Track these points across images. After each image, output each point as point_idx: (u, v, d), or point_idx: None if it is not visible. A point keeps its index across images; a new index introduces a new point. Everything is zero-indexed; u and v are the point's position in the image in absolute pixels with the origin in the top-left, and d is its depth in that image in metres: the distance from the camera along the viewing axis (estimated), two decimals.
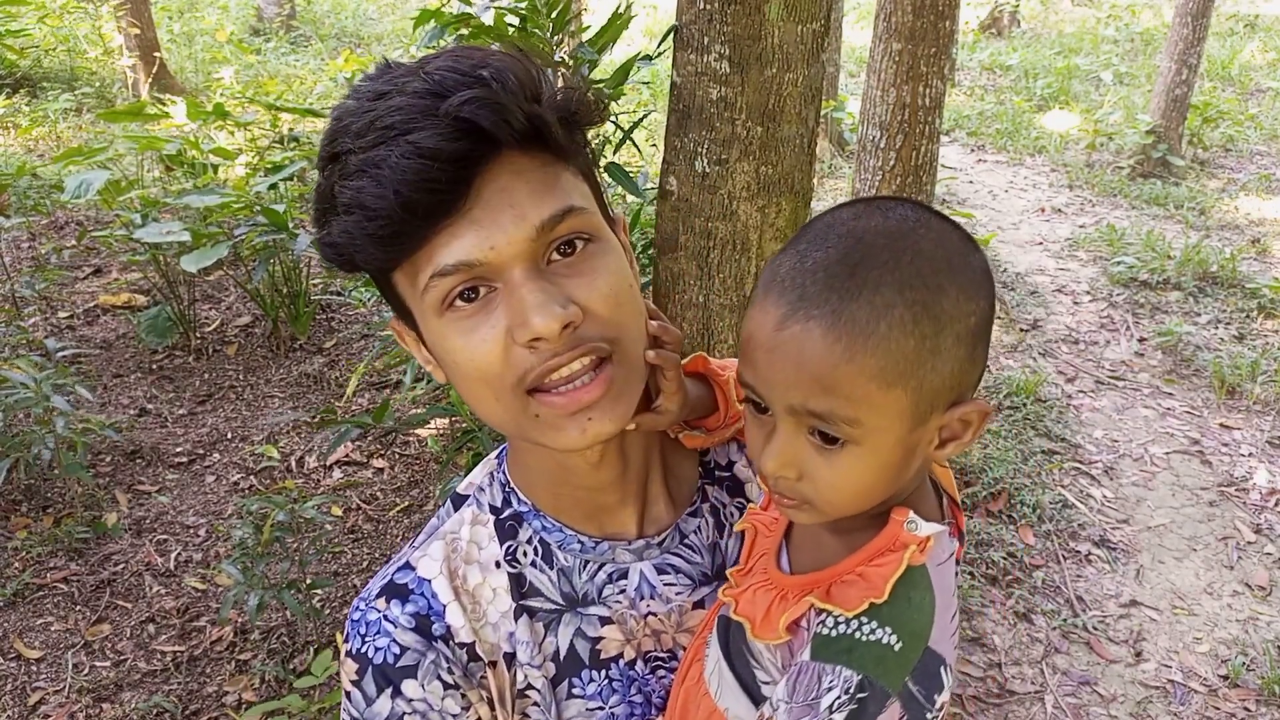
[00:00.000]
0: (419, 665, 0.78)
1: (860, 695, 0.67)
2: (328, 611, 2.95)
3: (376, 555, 3.21)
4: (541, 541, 0.84)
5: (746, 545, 0.84)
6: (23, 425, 3.45)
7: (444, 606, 0.81)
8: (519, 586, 0.83)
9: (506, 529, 0.85)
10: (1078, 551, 3.41)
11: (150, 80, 7.84)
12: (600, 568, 0.84)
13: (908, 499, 0.74)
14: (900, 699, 0.68)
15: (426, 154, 0.65)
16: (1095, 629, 3.04)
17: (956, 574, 0.76)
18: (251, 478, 3.61)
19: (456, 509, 0.87)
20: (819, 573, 0.74)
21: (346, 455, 3.73)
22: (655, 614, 0.84)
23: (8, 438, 3.24)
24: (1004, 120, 9.03)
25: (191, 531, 3.32)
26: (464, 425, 3.00)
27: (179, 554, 3.21)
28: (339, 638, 2.83)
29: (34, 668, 2.75)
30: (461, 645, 0.81)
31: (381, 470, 3.68)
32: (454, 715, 0.79)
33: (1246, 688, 2.83)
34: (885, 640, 0.67)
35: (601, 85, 2.84)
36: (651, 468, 0.87)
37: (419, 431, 3.85)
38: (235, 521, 3.24)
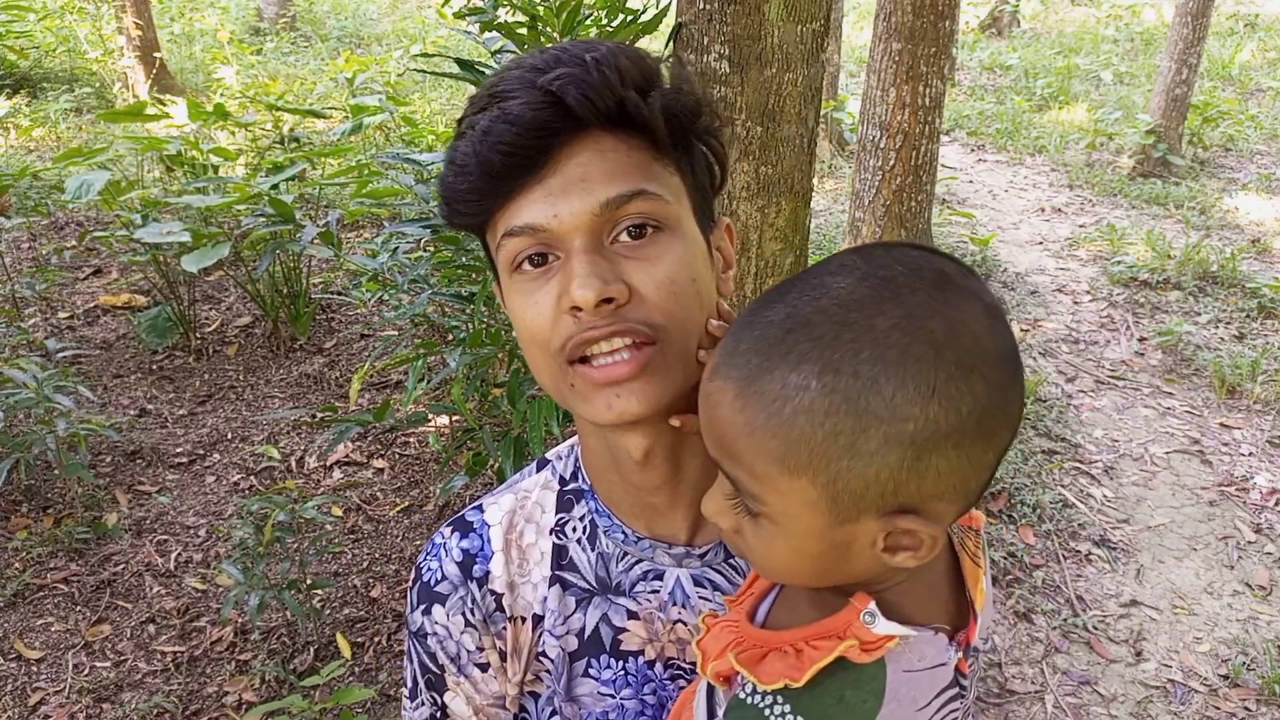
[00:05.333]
0: (450, 596, 0.85)
1: None
2: (328, 612, 2.95)
3: (376, 555, 3.21)
4: (591, 522, 0.86)
5: (750, 577, 0.80)
6: (23, 425, 3.45)
7: (492, 553, 0.86)
8: (559, 558, 0.86)
9: (565, 501, 0.88)
10: (1078, 551, 3.41)
11: (150, 80, 7.84)
12: (637, 563, 0.85)
13: (888, 590, 0.65)
14: None
15: (510, 119, 0.70)
16: (1095, 629, 3.04)
17: (959, 693, 0.66)
18: (251, 478, 3.61)
19: (539, 470, 0.92)
20: (772, 633, 0.69)
21: (346, 455, 3.74)
22: (684, 623, 0.84)
23: (8, 438, 3.24)
24: (1004, 120, 9.03)
25: (191, 532, 3.32)
26: (464, 425, 3.00)
27: (179, 554, 3.21)
28: (340, 638, 2.83)
29: (34, 668, 2.75)
30: (493, 594, 0.86)
31: (381, 470, 3.68)
32: (469, 650, 0.85)
33: (1247, 687, 2.83)
34: None
35: None
36: (712, 480, 0.87)
37: (419, 430, 3.85)
38: (235, 522, 3.24)
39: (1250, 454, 3.98)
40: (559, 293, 0.71)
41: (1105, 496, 3.72)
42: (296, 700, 2.39)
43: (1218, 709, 2.76)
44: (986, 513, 3.54)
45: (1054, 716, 2.73)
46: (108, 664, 2.78)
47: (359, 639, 2.86)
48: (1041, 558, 3.35)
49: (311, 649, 2.81)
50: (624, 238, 0.72)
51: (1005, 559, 3.29)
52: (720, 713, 0.68)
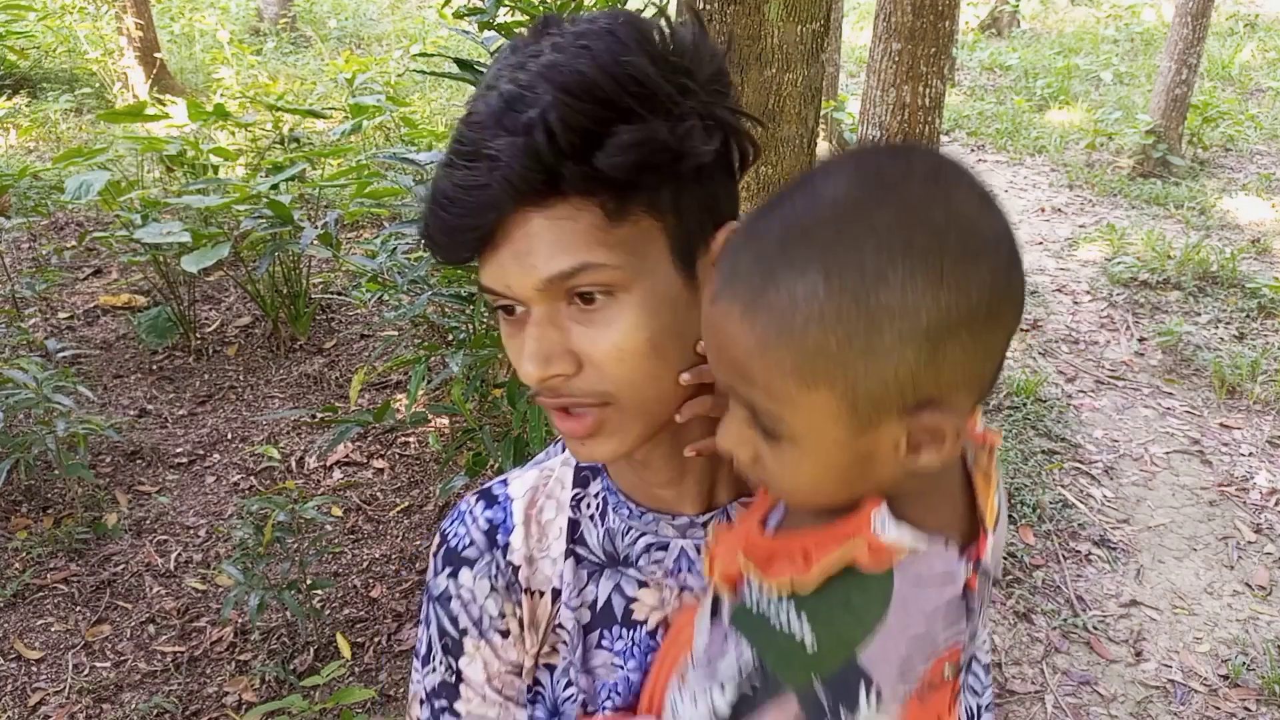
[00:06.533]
0: (477, 561, 0.87)
1: (752, 679, 0.63)
2: (328, 612, 2.95)
3: (376, 555, 3.21)
4: (604, 499, 0.88)
5: (762, 490, 0.78)
6: (23, 425, 3.45)
7: (513, 526, 0.88)
8: (573, 532, 0.88)
9: (581, 478, 0.90)
10: (1078, 551, 3.41)
11: (150, 81, 7.84)
12: (641, 535, 0.86)
13: (902, 498, 0.64)
14: (798, 697, 0.62)
15: (451, 195, 0.69)
16: (1095, 629, 3.04)
17: (975, 607, 0.65)
18: (251, 478, 3.61)
19: (563, 449, 0.93)
20: (781, 539, 0.68)
21: (346, 455, 3.74)
22: (690, 589, 0.86)
23: (8, 438, 3.24)
24: (1004, 120, 9.03)
25: (191, 532, 3.32)
26: (464, 425, 3.00)
27: (179, 554, 3.21)
28: (340, 638, 2.83)
29: (34, 668, 2.75)
30: (511, 565, 0.87)
31: (381, 470, 3.68)
32: (492, 615, 0.87)
33: (1247, 687, 2.83)
34: (799, 636, 0.61)
35: None
36: (714, 460, 0.87)
37: (419, 430, 3.85)
38: (235, 522, 3.25)
39: (1250, 454, 3.98)
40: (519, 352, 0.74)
41: (1105, 496, 3.72)
42: (296, 700, 2.39)
43: (1218, 709, 2.76)
44: None
45: (1054, 716, 2.73)
46: (108, 664, 2.78)
47: (359, 639, 2.86)
48: (1041, 558, 3.35)
49: (311, 649, 2.81)
50: (577, 301, 0.72)
51: (1005, 559, 3.29)
52: (725, 622, 0.67)
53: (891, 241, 0.56)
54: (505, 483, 0.92)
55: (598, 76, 0.67)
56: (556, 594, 0.87)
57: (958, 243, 0.57)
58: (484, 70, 2.54)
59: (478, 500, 0.91)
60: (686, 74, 0.72)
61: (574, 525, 0.88)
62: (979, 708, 0.93)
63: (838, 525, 0.63)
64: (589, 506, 0.89)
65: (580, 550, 0.88)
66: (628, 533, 0.87)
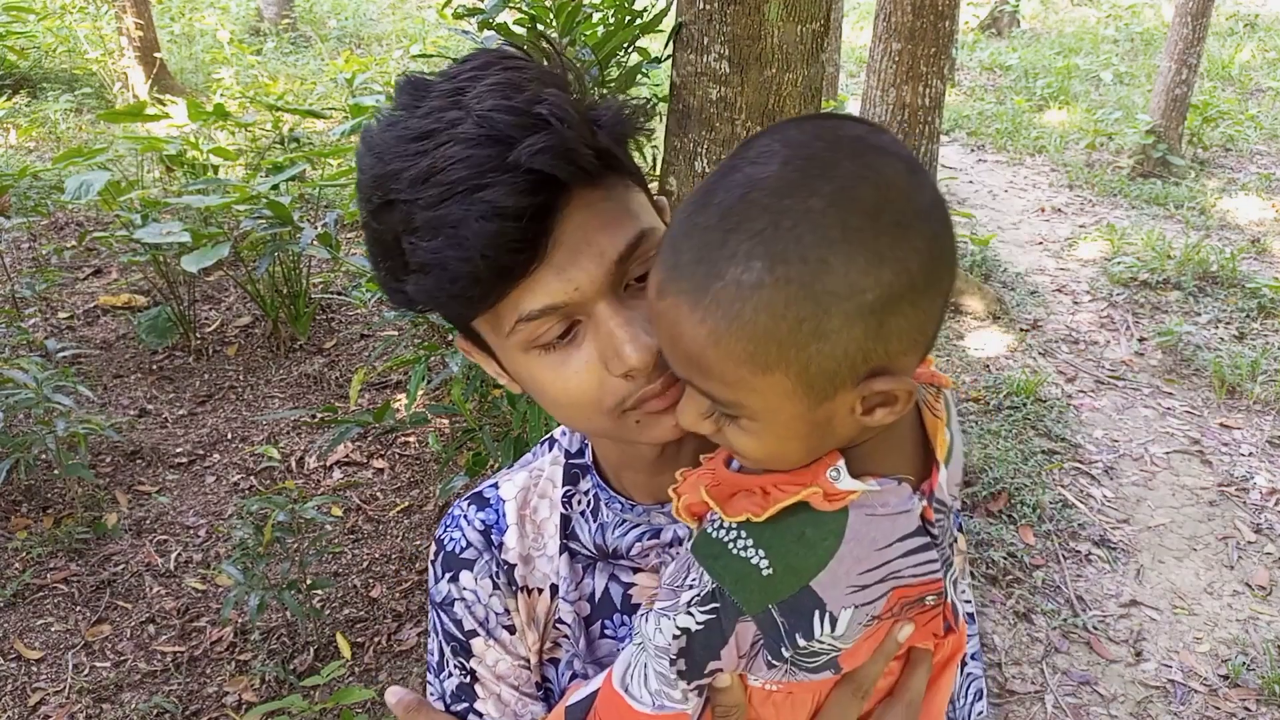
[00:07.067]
0: (476, 562, 0.88)
1: (712, 604, 0.67)
2: (328, 612, 2.95)
3: (376, 555, 3.21)
4: (595, 496, 0.89)
5: None
6: (23, 425, 3.45)
7: (506, 526, 0.89)
8: (565, 527, 0.89)
9: (571, 475, 0.91)
10: (1078, 551, 3.41)
11: (150, 81, 7.84)
12: (634, 527, 0.87)
13: (858, 449, 0.67)
14: (757, 622, 0.66)
15: (508, 214, 0.65)
16: (1095, 629, 3.04)
17: (929, 542, 0.69)
18: (251, 478, 3.61)
19: (550, 449, 0.94)
20: (744, 475, 0.70)
21: (346, 455, 3.74)
22: None
23: (8, 438, 3.24)
24: (1004, 120, 9.03)
25: (191, 532, 3.32)
26: (464, 425, 3.00)
27: (179, 554, 3.21)
28: (340, 638, 2.83)
29: (34, 668, 2.75)
30: (507, 564, 0.88)
31: (381, 470, 3.68)
32: (497, 613, 0.88)
33: (1246, 687, 2.83)
34: (755, 561, 0.65)
35: (611, 87, 2.84)
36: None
37: (419, 430, 3.85)
38: (235, 522, 3.24)
39: (1250, 454, 3.98)
40: (600, 357, 0.71)
41: (1105, 496, 3.72)
42: (296, 700, 2.39)
43: (1218, 709, 2.76)
44: (986, 512, 3.54)
45: (1054, 716, 2.73)
46: (108, 664, 2.78)
47: (359, 639, 2.86)
48: (1041, 558, 3.35)
49: (311, 649, 2.81)
50: (634, 283, 0.72)
51: (1005, 559, 3.29)
52: (688, 551, 0.71)
53: (829, 226, 0.57)
54: (496, 485, 0.93)
55: (550, 74, 0.70)
56: (555, 590, 0.88)
57: (891, 219, 0.59)
58: None
59: (470, 504, 0.91)
60: (572, 67, 0.75)
61: (566, 521, 0.89)
62: (966, 656, 0.94)
63: (797, 473, 0.67)
64: (580, 503, 0.90)
65: (574, 545, 0.89)
66: (619, 525, 0.88)
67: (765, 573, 0.65)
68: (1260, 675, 2.85)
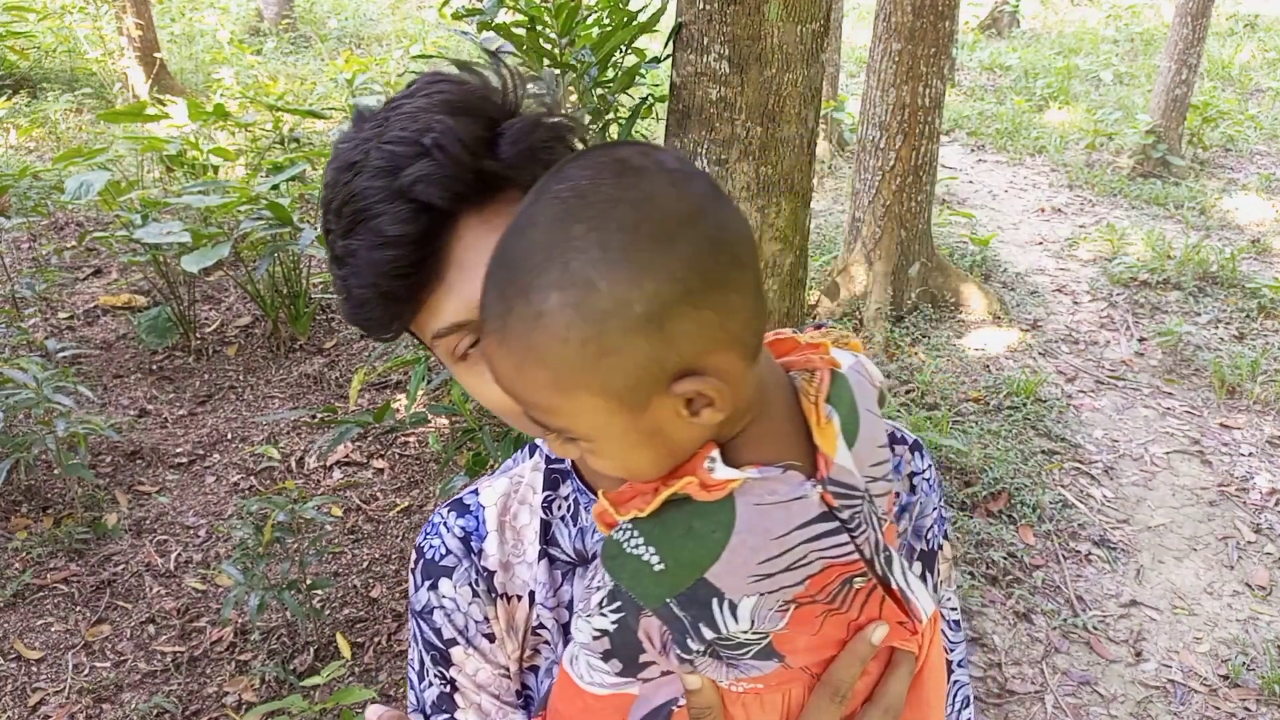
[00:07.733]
0: (455, 569, 0.88)
1: (616, 602, 0.69)
2: (328, 612, 2.95)
3: (376, 555, 3.21)
4: (575, 501, 0.90)
5: None
6: (23, 425, 3.45)
7: (486, 533, 0.89)
8: (545, 533, 0.90)
9: (552, 480, 0.91)
10: (1078, 551, 3.41)
11: (150, 80, 7.84)
12: None
13: (736, 440, 0.68)
14: (658, 616, 0.68)
15: (390, 242, 0.70)
16: (1095, 629, 3.04)
17: (838, 526, 0.68)
18: (251, 478, 3.61)
19: (531, 455, 0.95)
20: (648, 482, 0.72)
21: (346, 455, 3.74)
22: None
23: (8, 438, 3.24)
24: (1004, 120, 9.03)
25: (191, 532, 3.32)
26: (464, 425, 3.01)
27: (179, 554, 3.21)
28: (340, 638, 2.83)
29: (34, 668, 2.75)
30: (487, 571, 0.89)
31: (381, 470, 3.68)
32: (477, 621, 0.87)
33: (1246, 687, 2.83)
34: (646, 557, 0.66)
35: (610, 87, 2.84)
36: None
37: (419, 430, 3.85)
38: (235, 522, 3.25)
39: (1250, 454, 3.98)
40: None
41: (1105, 496, 3.72)
42: (296, 700, 2.39)
43: (1218, 709, 2.76)
44: (986, 512, 3.54)
45: (1054, 716, 2.73)
46: (108, 664, 2.78)
47: (359, 639, 2.86)
48: (1041, 558, 3.35)
49: (311, 649, 2.81)
50: None
51: (1005, 559, 3.29)
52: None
53: (588, 249, 0.60)
54: (476, 492, 0.93)
55: (462, 98, 0.73)
56: (533, 596, 0.88)
57: (648, 233, 0.61)
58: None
59: (449, 510, 0.91)
60: (514, 81, 0.78)
61: (546, 527, 0.89)
62: (950, 665, 0.94)
63: (680, 468, 0.68)
64: (559, 508, 0.90)
65: (553, 551, 0.89)
66: (597, 529, 0.87)
67: (657, 568, 0.66)
68: (1260, 675, 2.86)
